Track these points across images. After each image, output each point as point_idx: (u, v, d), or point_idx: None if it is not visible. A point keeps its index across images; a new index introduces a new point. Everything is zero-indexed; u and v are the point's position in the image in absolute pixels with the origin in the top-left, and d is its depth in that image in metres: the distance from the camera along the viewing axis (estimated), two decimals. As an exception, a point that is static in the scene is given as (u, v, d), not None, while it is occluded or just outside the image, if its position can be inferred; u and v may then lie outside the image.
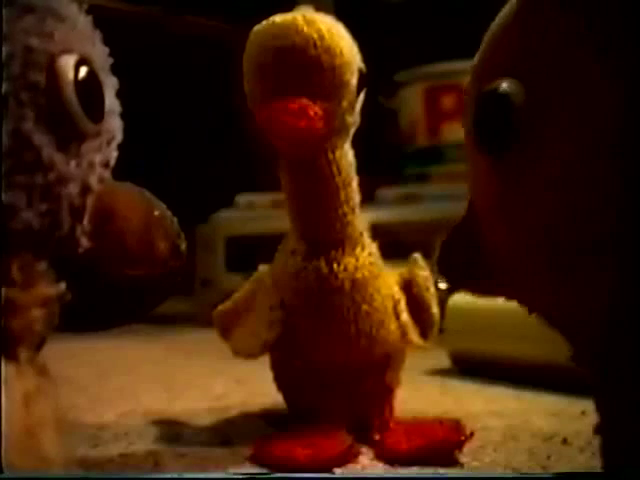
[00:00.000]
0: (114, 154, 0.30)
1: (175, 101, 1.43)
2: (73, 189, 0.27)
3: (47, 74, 0.26)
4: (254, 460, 0.43)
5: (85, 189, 0.28)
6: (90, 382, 0.72)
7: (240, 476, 0.39)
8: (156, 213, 0.31)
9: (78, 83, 0.27)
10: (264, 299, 0.47)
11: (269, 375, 0.48)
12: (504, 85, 0.25)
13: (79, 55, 0.27)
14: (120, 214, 0.29)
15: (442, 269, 0.33)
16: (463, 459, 0.42)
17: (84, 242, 0.28)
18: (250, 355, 0.47)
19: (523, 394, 0.59)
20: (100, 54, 0.30)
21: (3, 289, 0.25)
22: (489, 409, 0.55)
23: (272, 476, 0.40)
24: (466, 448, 0.42)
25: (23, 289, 0.25)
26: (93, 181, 0.28)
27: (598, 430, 0.26)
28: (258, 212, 1.20)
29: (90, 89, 0.28)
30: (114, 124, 0.30)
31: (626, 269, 0.23)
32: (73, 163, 0.27)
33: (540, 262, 0.25)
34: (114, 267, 0.29)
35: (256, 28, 0.43)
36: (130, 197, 0.31)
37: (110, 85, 0.30)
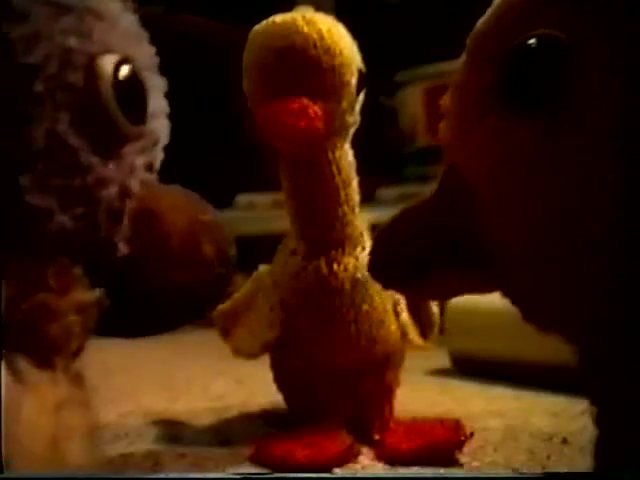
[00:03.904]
0: (159, 156, 0.29)
1: (175, 101, 1.43)
2: (112, 192, 0.26)
3: (85, 75, 0.25)
4: (254, 460, 0.43)
5: (125, 192, 0.27)
6: (91, 382, 0.72)
7: (240, 476, 0.39)
8: (203, 217, 0.30)
9: (117, 84, 0.26)
10: (264, 299, 0.47)
11: (269, 375, 0.48)
12: (551, 34, 0.24)
13: (120, 55, 0.26)
14: (163, 217, 0.29)
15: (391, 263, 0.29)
16: (463, 459, 0.42)
17: (122, 247, 0.27)
18: (250, 355, 0.47)
19: (523, 394, 0.59)
20: (145, 54, 0.29)
21: (40, 295, 0.24)
22: (489, 409, 0.55)
23: (272, 476, 0.40)
24: (466, 448, 0.42)
25: (59, 295, 0.25)
26: (134, 184, 0.27)
27: (596, 422, 0.26)
28: (258, 212, 1.20)
29: (131, 90, 0.27)
30: (159, 126, 0.29)
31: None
32: (112, 166, 0.26)
33: (555, 241, 0.24)
34: (159, 272, 0.28)
35: (256, 28, 0.43)
36: (175, 200, 0.30)
37: (156, 86, 0.29)
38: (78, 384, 0.26)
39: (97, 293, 0.26)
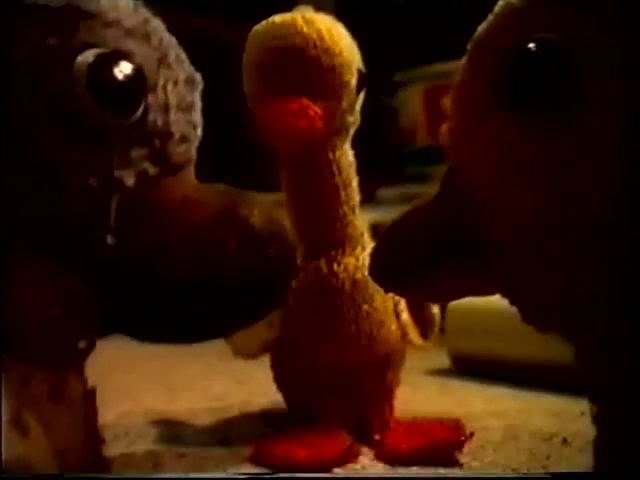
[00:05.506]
0: (178, 150, 0.29)
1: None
2: (92, 183, 0.26)
3: (63, 69, 0.26)
4: (254, 460, 0.43)
5: (109, 182, 0.26)
6: (90, 382, 0.71)
7: (240, 476, 0.39)
8: (240, 212, 0.29)
9: (92, 75, 0.26)
10: (264, 299, 0.47)
11: (269, 375, 0.48)
12: (549, 38, 0.24)
13: (107, 50, 0.27)
14: (170, 210, 0.28)
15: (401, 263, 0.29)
16: (463, 459, 0.42)
17: (110, 239, 0.26)
18: (250, 355, 0.47)
19: (523, 394, 0.59)
20: (151, 50, 0.29)
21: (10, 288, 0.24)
22: (489, 409, 0.55)
23: (272, 476, 0.40)
24: (466, 448, 0.42)
25: (32, 287, 0.25)
26: (125, 175, 0.27)
27: (596, 421, 0.26)
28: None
29: (111, 82, 0.27)
30: (170, 119, 0.29)
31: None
32: (90, 155, 0.26)
33: (559, 241, 0.24)
34: (164, 267, 0.27)
35: (256, 28, 0.43)
36: (195, 194, 0.29)
37: (170, 80, 0.29)
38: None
39: (75, 287, 0.26)
